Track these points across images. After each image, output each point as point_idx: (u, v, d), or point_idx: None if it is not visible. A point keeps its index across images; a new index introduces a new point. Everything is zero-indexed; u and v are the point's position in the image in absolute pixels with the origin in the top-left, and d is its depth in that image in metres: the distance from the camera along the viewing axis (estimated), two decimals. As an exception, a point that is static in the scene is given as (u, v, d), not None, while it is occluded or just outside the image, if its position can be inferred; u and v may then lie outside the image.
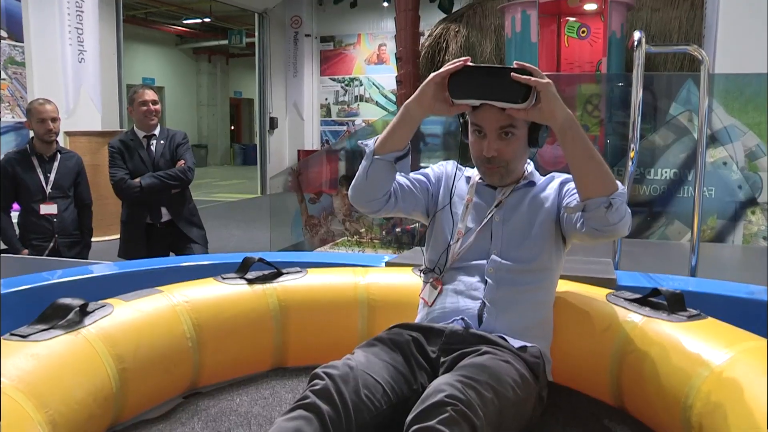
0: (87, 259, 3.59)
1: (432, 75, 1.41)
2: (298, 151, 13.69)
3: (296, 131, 13.89)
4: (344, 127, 14.04)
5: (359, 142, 1.58)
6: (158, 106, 3.34)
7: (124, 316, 1.47)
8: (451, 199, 1.61)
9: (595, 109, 5.14)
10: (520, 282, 1.51)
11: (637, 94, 1.95)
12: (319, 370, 1.24)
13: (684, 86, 4.16)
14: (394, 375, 1.31)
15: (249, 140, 23.16)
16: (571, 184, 1.52)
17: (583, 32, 6.14)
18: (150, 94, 3.30)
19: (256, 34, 12.96)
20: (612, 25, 5.32)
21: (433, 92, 1.41)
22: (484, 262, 1.53)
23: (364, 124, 13.71)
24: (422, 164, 7.37)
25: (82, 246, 3.60)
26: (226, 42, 16.51)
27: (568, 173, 1.48)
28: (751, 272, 2.88)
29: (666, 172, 3.49)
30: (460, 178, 1.65)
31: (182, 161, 3.35)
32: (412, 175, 1.62)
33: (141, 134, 3.34)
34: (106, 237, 5.49)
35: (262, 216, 9.13)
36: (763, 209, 3.52)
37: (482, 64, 1.41)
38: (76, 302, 1.40)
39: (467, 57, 1.41)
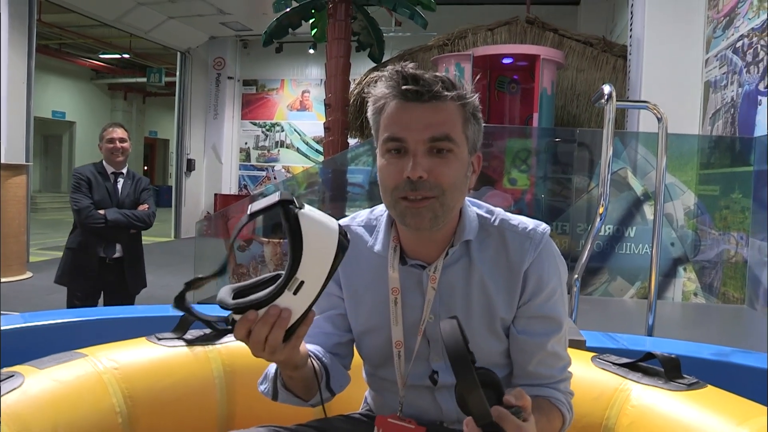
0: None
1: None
2: (215, 194, 13.27)
3: (214, 174, 13.50)
4: (263, 173, 13.77)
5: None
6: (126, 144, 3.39)
7: (38, 389, 1.19)
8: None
9: (523, 163, 5.20)
10: None
11: (608, 150, 1.89)
12: None
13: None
14: None
15: (162, 182, 22.36)
16: (540, 294, 1.09)
17: (513, 88, 6.28)
18: (118, 132, 3.37)
19: (178, 73, 12.61)
20: (543, 82, 5.46)
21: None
22: (429, 382, 1.11)
23: (283, 171, 13.50)
24: (347, 213, 7.24)
25: None
26: (144, 79, 15.95)
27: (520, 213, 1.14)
28: (699, 330, 2.89)
29: (609, 228, 3.51)
30: (367, 254, 1.12)
31: (146, 205, 3.40)
32: (322, 304, 1.08)
33: (110, 169, 3.40)
34: (6, 279, 4.97)
35: (176, 261, 8.67)
36: (695, 267, 3.59)
37: None
38: (-25, 373, 1.11)
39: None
